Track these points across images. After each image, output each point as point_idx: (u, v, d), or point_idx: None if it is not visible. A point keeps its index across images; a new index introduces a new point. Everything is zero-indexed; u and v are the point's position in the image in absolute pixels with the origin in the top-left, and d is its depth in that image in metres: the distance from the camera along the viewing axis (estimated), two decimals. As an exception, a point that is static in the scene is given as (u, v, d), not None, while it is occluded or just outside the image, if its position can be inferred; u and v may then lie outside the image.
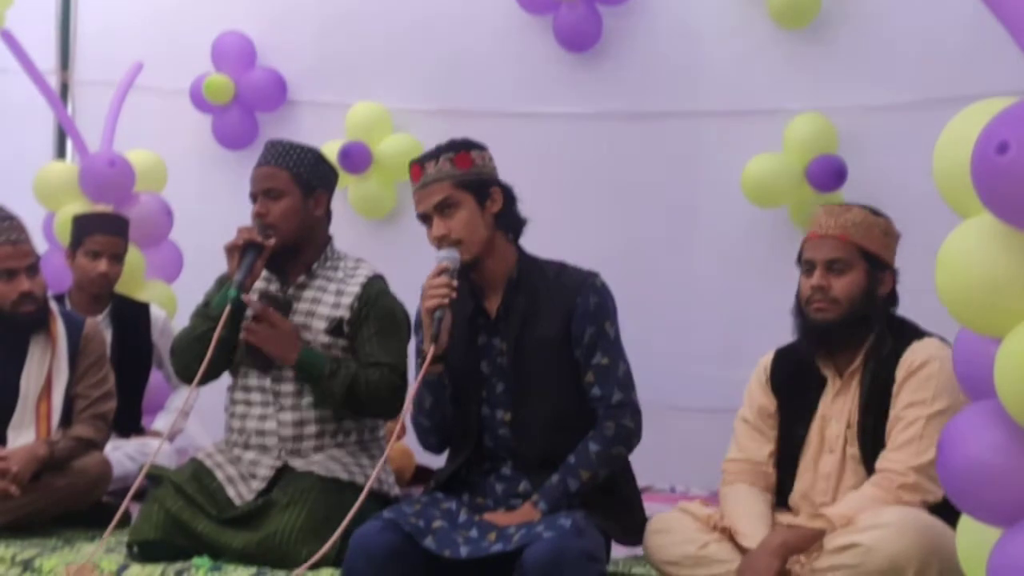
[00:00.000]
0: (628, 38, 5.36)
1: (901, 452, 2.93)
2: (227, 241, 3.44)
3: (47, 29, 5.96)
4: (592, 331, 3.17)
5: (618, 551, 3.34)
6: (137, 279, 5.09)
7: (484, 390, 3.25)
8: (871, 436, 3.02)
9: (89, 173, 5.19)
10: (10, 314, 3.82)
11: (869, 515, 2.81)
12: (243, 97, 5.77)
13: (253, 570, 3.20)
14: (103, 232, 4.61)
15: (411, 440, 3.55)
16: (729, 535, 3.03)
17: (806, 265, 3.14)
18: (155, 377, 4.78)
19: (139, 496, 3.61)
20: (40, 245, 4.37)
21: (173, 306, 5.16)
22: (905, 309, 3.19)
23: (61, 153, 6.03)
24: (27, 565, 3.36)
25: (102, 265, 4.58)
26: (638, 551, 3.41)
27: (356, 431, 3.56)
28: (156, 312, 4.79)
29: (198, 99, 5.77)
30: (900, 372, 3.01)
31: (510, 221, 3.26)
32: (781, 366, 3.24)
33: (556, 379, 3.19)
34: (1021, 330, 2.07)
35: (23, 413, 3.86)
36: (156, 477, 3.53)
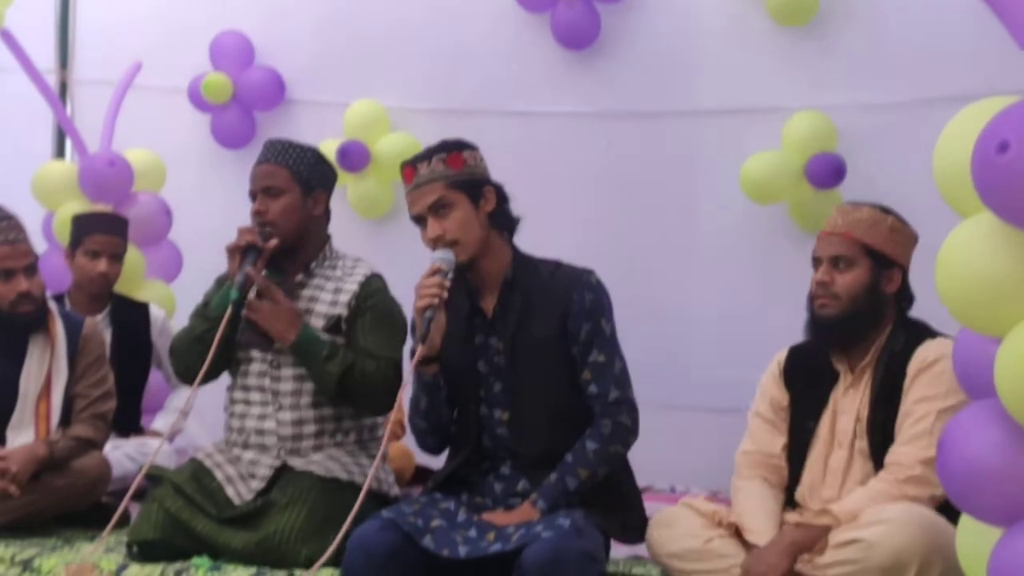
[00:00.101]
0: (626, 36, 5.36)
1: (910, 446, 2.95)
2: (226, 241, 3.44)
3: (46, 28, 5.95)
4: (588, 328, 3.17)
5: (618, 550, 3.34)
6: (136, 279, 5.08)
7: (482, 390, 3.25)
8: (880, 430, 3.05)
9: (88, 173, 5.19)
10: (8, 314, 3.82)
11: (872, 511, 2.84)
12: (241, 96, 5.77)
13: (252, 570, 3.20)
14: (102, 232, 4.61)
15: (411, 440, 3.55)
16: (734, 531, 3.06)
17: (814, 261, 3.20)
18: (155, 377, 4.78)
19: (138, 496, 3.61)
20: (39, 245, 4.36)
21: (172, 306, 5.15)
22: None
23: (60, 152, 6.02)
24: (27, 565, 3.36)
25: (101, 265, 4.58)
26: (638, 550, 3.41)
27: (355, 431, 3.56)
28: (155, 312, 4.79)
29: (196, 98, 5.76)
30: (912, 368, 3.04)
31: (504, 220, 3.26)
32: (795, 361, 3.28)
33: (553, 377, 3.19)
34: (1021, 330, 2.08)
35: (22, 413, 3.86)
36: (155, 477, 3.53)
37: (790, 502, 3.21)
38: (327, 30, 5.75)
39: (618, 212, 5.33)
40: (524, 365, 3.19)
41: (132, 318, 4.71)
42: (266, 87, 5.78)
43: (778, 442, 3.25)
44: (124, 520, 3.53)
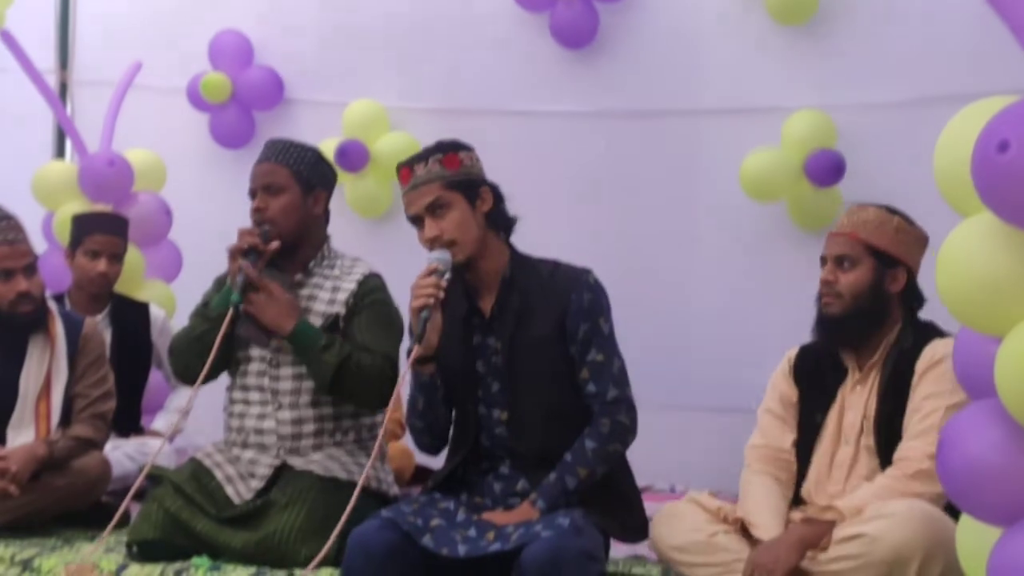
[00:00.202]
0: (625, 35, 5.36)
1: (918, 440, 2.97)
2: (226, 241, 3.44)
3: (46, 29, 5.95)
4: (586, 328, 3.17)
5: (618, 550, 3.34)
6: (136, 279, 5.08)
7: (480, 390, 3.25)
8: (887, 427, 3.08)
9: (88, 173, 5.19)
10: (8, 314, 3.82)
11: (876, 506, 2.86)
12: (240, 96, 5.77)
13: (252, 570, 3.20)
14: (102, 232, 4.61)
15: (411, 440, 3.54)
16: (740, 527, 3.09)
17: (821, 261, 3.25)
18: (155, 377, 4.78)
19: (138, 496, 3.61)
20: (39, 245, 4.37)
21: (172, 305, 5.16)
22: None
23: (60, 153, 6.02)
24: (26, 565, 3.36)
25: (101, 265, 4.57)
26: (638, 549, 3.41)
27: (354, 430, 3.56)
28: (155, 312, 4.79)
29: (195, 98, 5.76)
30: (920, 366, 3.08)
31: (501, 220, 3.26)
32: (805, 358, 3.33)
33: (551, 377, 3.19)
34: (1021, 329, 2.08)
35: (22, 413, 3.86)
36: (155, 477, 3.53)
37: (796, 499, 3.23)
38: (326, 30, 5.75)
39: (617, 211, 5.33)
40: (522, 365, 3.19)
41: (132, 318, 4.71)
42: (265, 87, 5.78)
43: (788, 438, 3.28)
44: (124, 520, 3.53)
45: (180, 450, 4.61)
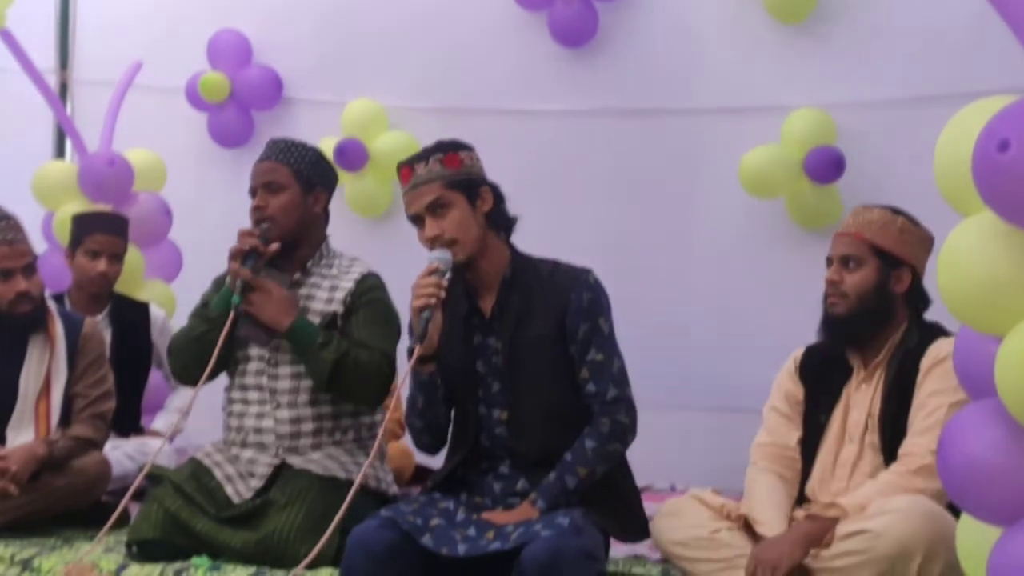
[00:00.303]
0: (624, 33, 5.36)
1: (922, 437, 2.99)
2: (226, 241, 3.44)
3: (46, 29, 5.96)
4: (586, 327, 3.17)
5: (617, 549, 3.34)
6: (136, 278, 5.08)
7: (480, 389, 3.25)
8: (891, 424, 3.10)
9: (88, 172, 5.19)
10: (7, 314, 3.82)
11: (878, 502, 2.88)
12: (239, 95, 5.76)
13: (252, 569, 3.20)
14: (102, 231, 4.60)
15: (411, 440, 3.54)
16: (743, 523, 3.10)
17: (827, 261, 3.26)
18: (155, 377, 4.78)
19: (138, 496, 3.61)
20: (39, 245, 4.36)
21: (172, 305, 5.16)
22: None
23: (60, 152, 6.03)
24: (26, 564, 3.36)
25: (101, 264, 4.57)
26: (638, 549, 3.41)
27: (353, 429, 3.56)
28: (155, 311, 4.79)
29: (194, 97, 5.76)
30: (924, 364, 3.10)
31: (501, 220, 3.26)
32: (811, 357, 3.34)
33: (551, 377, 3.19)
34: (1021, 329, 2.08)
35: (22, 413, 3.86)
36: (155, 476, 3.53)
37: (800, 498, 3.24)
38: (325, 29, 5.74)
39: (617, 210, 5.33)
40: (522, 365, 3.19)
41: (132, 318, 4.71)
42: (263, 86, 5.78)
43: (793, 436, 3.30)
44: (124, 520, 3.53)
45: (180, 450, 4.61)
